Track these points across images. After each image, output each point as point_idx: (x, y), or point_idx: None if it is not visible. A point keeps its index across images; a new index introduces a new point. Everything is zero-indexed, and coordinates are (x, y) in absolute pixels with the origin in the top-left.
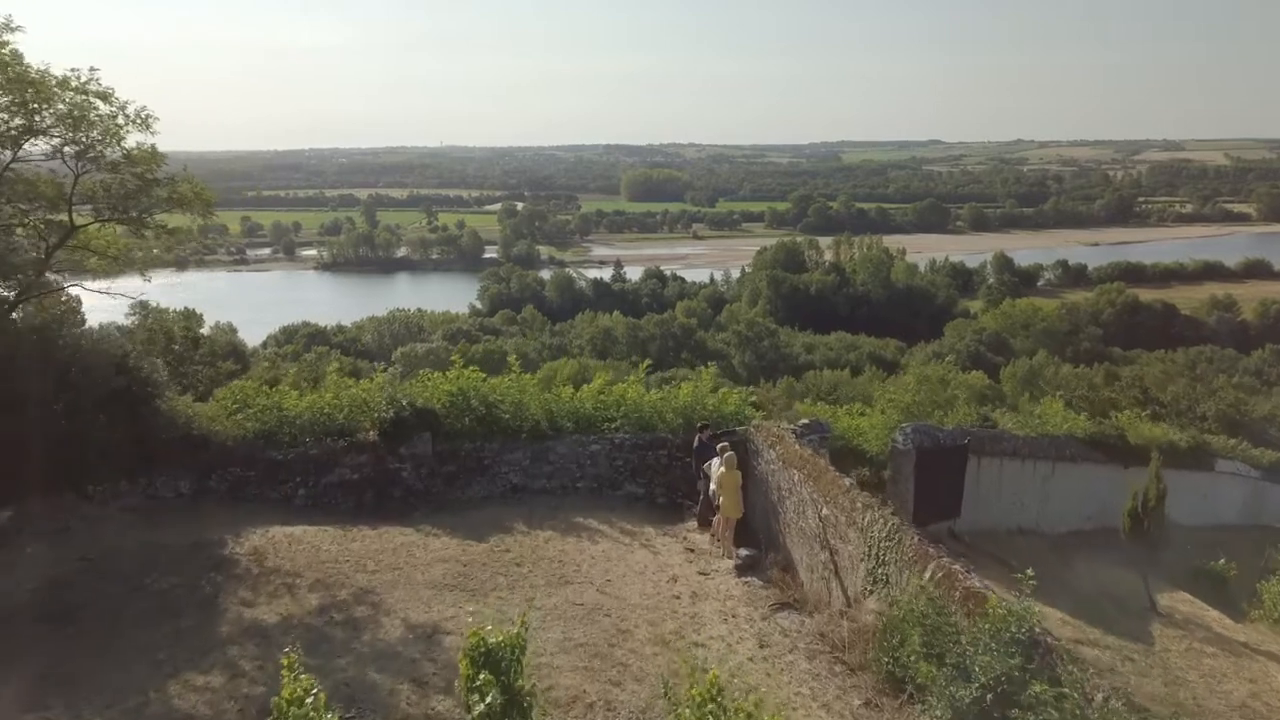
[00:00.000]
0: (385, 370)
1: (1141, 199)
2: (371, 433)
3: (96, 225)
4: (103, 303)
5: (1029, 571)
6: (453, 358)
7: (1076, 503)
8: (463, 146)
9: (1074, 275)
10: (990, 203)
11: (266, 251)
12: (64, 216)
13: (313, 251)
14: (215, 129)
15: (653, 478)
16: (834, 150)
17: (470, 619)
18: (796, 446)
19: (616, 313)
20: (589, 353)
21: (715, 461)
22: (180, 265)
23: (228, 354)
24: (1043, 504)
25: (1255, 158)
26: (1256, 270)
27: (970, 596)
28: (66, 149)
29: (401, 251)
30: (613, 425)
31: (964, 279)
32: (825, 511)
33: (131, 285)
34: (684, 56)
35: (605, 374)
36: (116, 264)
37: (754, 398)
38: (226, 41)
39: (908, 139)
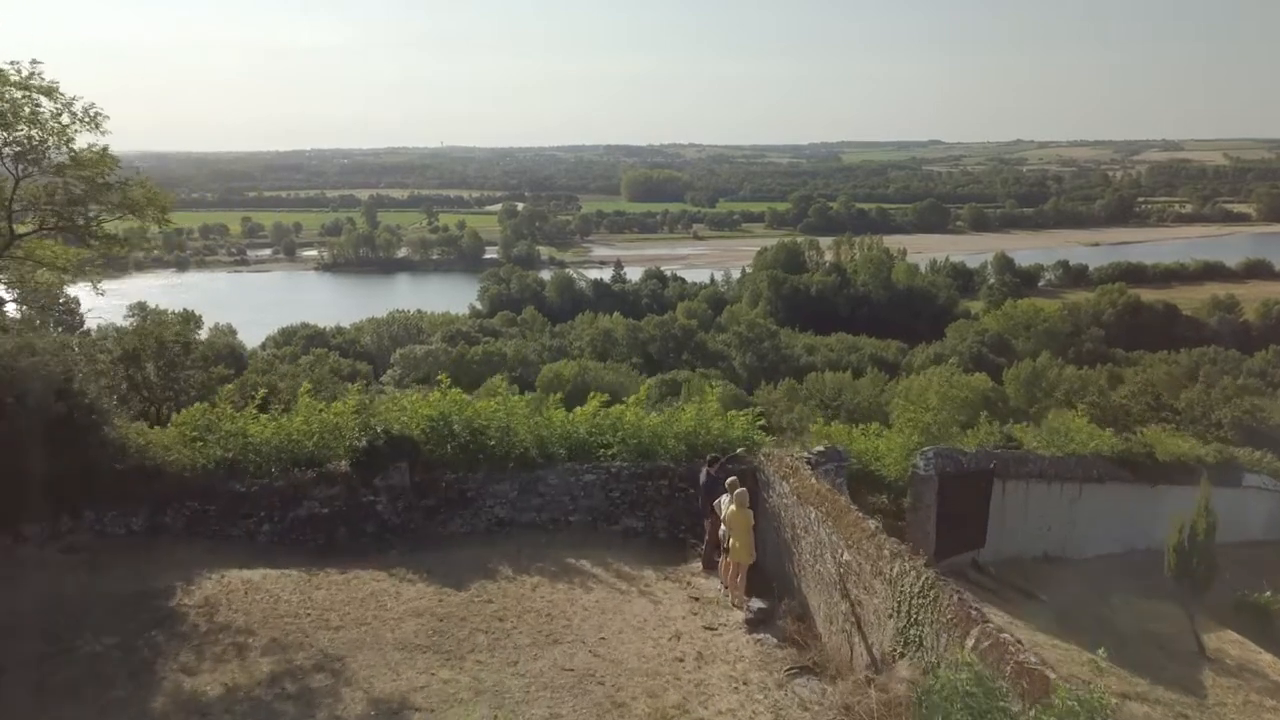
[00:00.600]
0: (360, 390)
1: (1141, 199)
2: (343, 462)
3: (38, 235)
4: (97, 302)
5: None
6: (440, 377)
7: (1105, 525)
8: (464, 147)
9: (1075, 275)
10: (990, 203)
11: (267, 252)
12: (1, 224)
13: (313, 252)
14: (216, 129)
15: (653, 510)
16: (834, 150)
17: (444, 687)
18: (813, 480)
19: (617, 314)
20: (589, 354)
21: (725, 499)
22: (181, 266)
23: (224, 356)
24: (1070, 528)
25: (1254, 158)
26: (1257, 270)
27: (1025, 674)
28: (5, 150)
29: (402, 252)
30: (609, 452)
31: (965, 279)
32: (846, 557)
33: (131, 286)
34: (684, 57)
35: (601, 395)
36: (65, 276)
37: (763, 421)
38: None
39: (907, 139)
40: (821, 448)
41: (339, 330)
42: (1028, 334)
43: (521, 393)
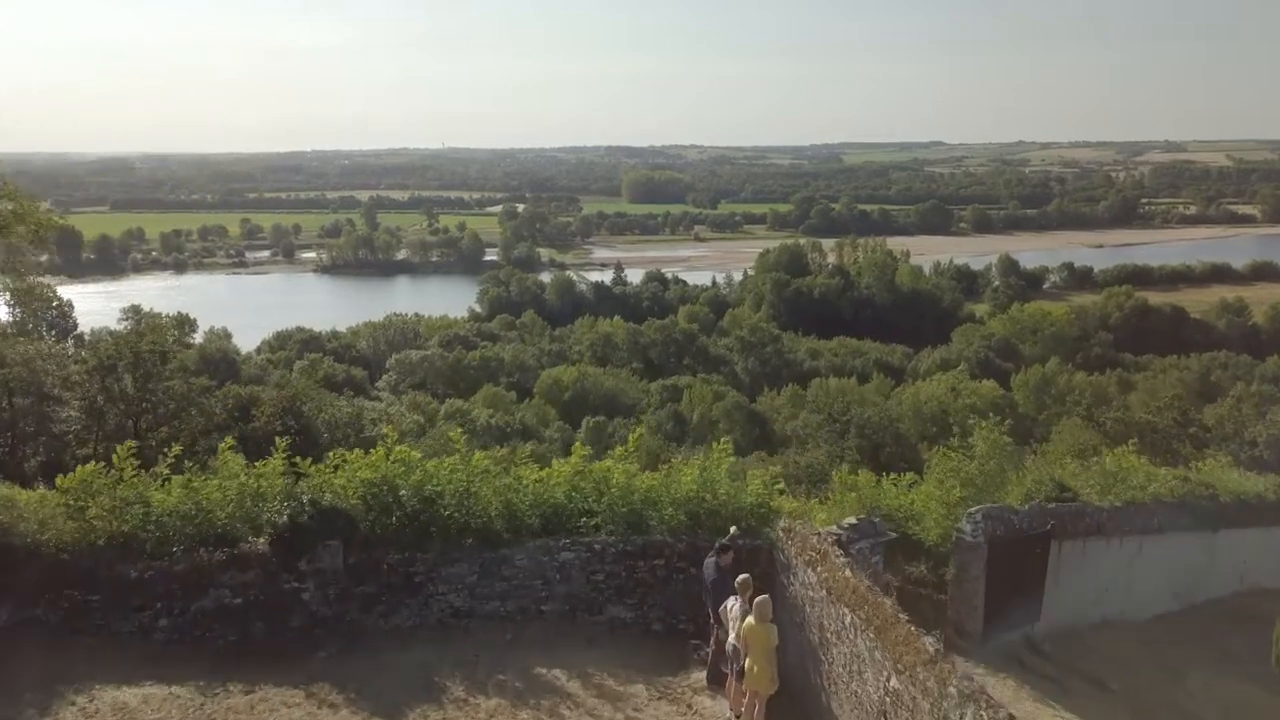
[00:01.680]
0: (285, 450)
1: (1145, 200)
2: (261, 540)
3: None
4: (92, 305)
5: None
6: (385, 430)
7: (1164, 580)
8: (464, 148)
9: (1080, 278)
10: (993, 204)
11: (266, 254)
12: None
13: (312, 254)
14: (216, 130)
15: (646, 597)
16: (836, 151)
17: None
18: (847, 573)
19: (617, 317)
20: (589, 359)
21: (734, 602)
22: (179, 268)
23: (216, 362)
24: (1128, 587)
25: (1257, 159)
26: (1264, 272)
27: None
28: None
29: (401, 254)
30: (592, 522)
31: (969, 282)
32: (894, 684)
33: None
34: (685, 57)
35: (583, 449)
36: None
37: (781, 484)
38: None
39: (909, 140)
40: (854, 519)
41: (335, 334)
42: (1035, 338)
43: (520, 400)
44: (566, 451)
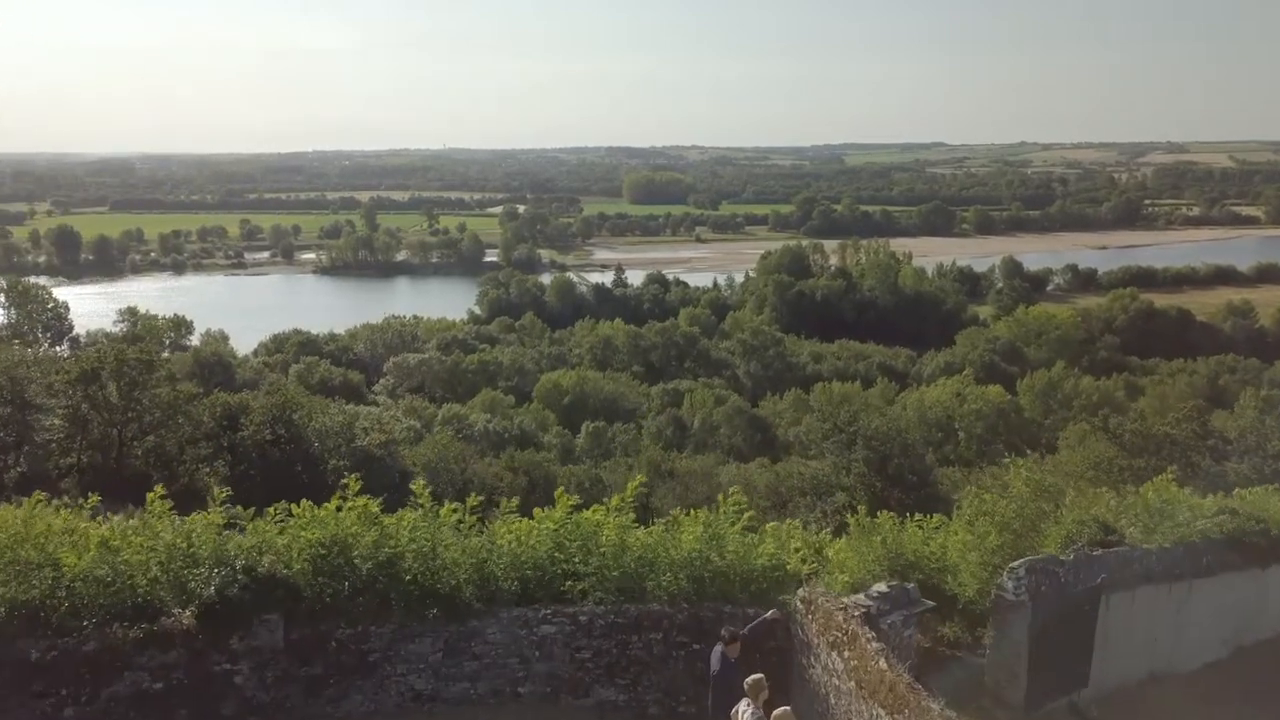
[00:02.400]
0: (222, 504)
1: (1148, 202)
2: (187, 613)
3: None
4: (90, 307)
5: None
6: (347, 481)
7: (1214, 625)
8: (465, 149)
9: (1084, 280)
10: (995, 205)
11: (265, 255)
12: None
13: (311, 255)
14: (217, 130)
15: (640, 676)
16: (837, 152)
17: None
18: (882, 663)
19: (618, 320)
20: (588, 363)
21: (745, 709)
22: (178, 269)
23: (211, 365)
24: (1177, 635)
25: (1260, 160)
26: (1269, 274)
27: None
28: None
29: (401, 255)
30: (578, 588)
31: (972, 284)
32: None
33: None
34: (686, 57)
35: (569, 498)
36: None
37: (799, 544)
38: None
39: (911, 141)
40: (884, 586)
41: (332, 337)
42: (1040, 341)
43: (518, 404)
44: (566, 456)
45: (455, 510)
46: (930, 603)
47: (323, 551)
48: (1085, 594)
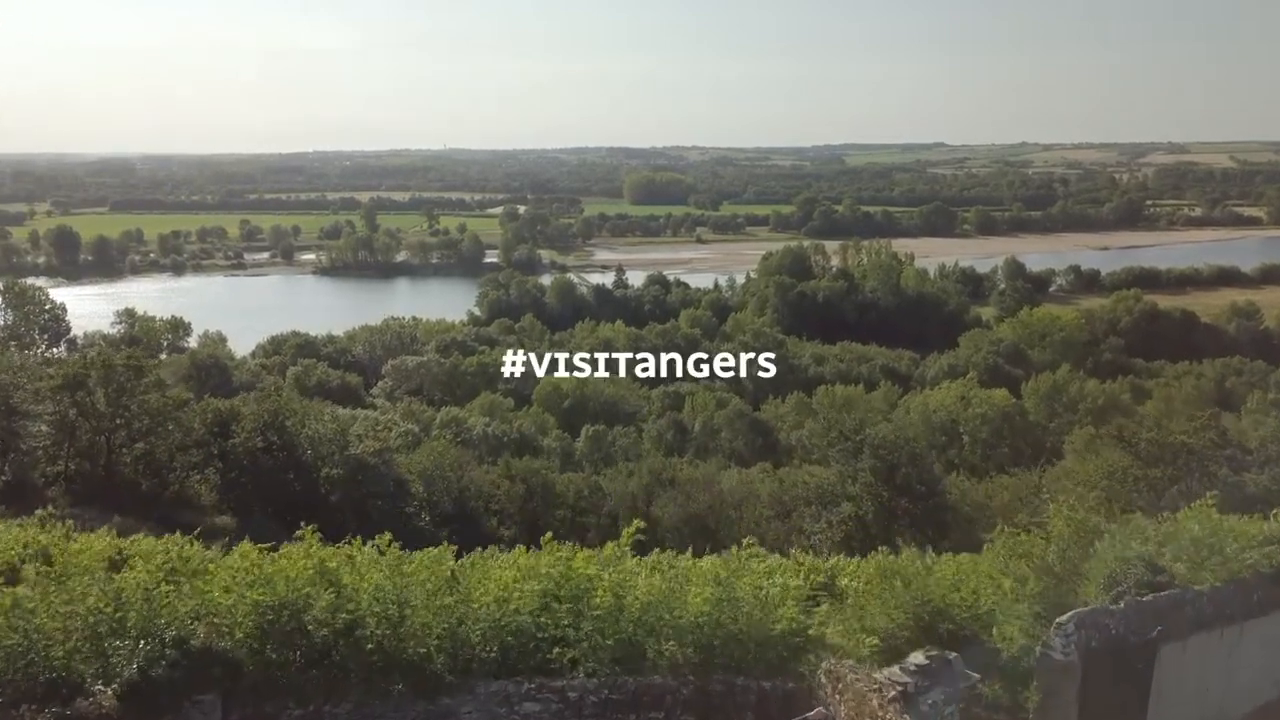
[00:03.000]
0: (165, 560)
1: (1150, 202)
2: (110, 691)
3: None
4: (89, 308)
5: None
6: (302, 532)
7: (1265, 665)
8: (466, 149)
9: (1086, 281)
10: (996, 206)
11: (265, 256)
12: None
13: (311, 256)
14: (218, 131)
15: None
16: (838, 153)
17: None
18: None
19: (619, 322)
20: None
21: None
22: (178, 270)
23: (207, 368)
24: (1228, 680)
25: (1261, 160)
26: (1273, 275)
27: None
28: None
29: (401, 256)
30: (568, 656)
31: (974, 285)
32: None
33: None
34: (686, 57)
35: (558, 548)
36: None
37: (823, 607)
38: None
39: (912, 141)
40: (922, 658)
41: (330, 339)
42: (1044, 344)
43: (517, 408)
44: (566, 461)
45: (427, 563)
46: (976, 676)
47: (267, 618)
48: (1139, 648)
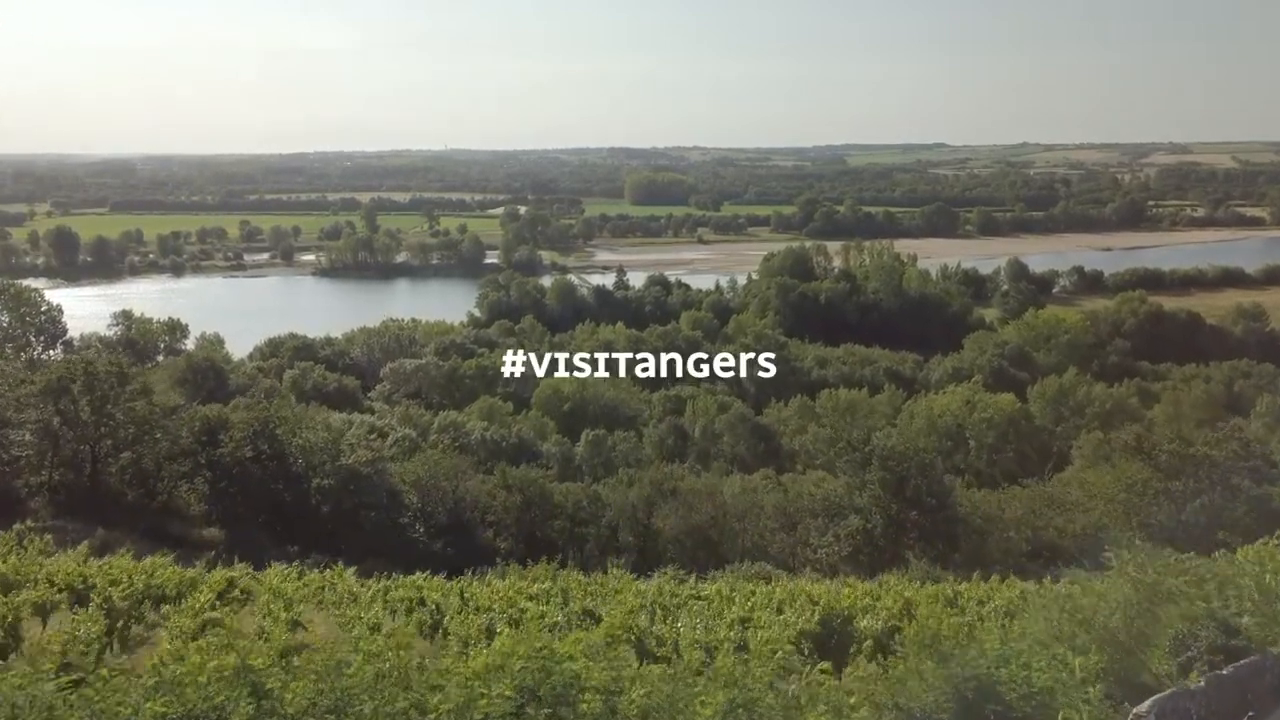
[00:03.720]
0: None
1: (1152, 203)
2: None
3: None
4: (88, 309)
5: None
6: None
7: None
8: (466, 149)
9: (1090, 281)
10: (998, 206)
11: (264, 256)
12: None
13: (311, 257)
14: (218, 131)
15: None
16: (839, 153)
17: None
18: None
19: (619, 323)
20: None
21: None
22: (177, 271)
23: (204, 370)
24: None
25: (1263, 160)
26: (1278, 276)
27: None
28: None
29: (401, 257)
30: None
31: (977, 286)
32: None
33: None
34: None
35: (537, 628)
36: None
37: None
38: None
39: (913, 142)
40: None
41: (328, 341)
42: (1049, 346)
43: (517, 411)
44: (565, 466)
45: (382, 650)
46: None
47: None
48: None
